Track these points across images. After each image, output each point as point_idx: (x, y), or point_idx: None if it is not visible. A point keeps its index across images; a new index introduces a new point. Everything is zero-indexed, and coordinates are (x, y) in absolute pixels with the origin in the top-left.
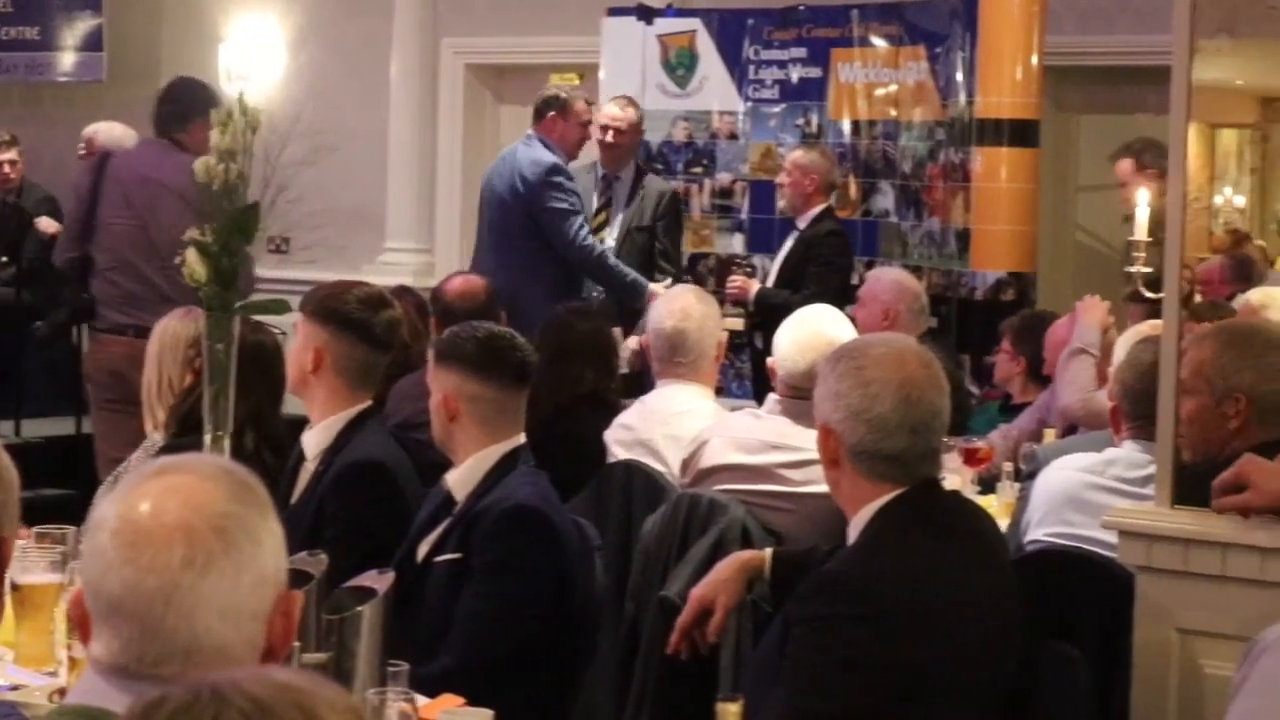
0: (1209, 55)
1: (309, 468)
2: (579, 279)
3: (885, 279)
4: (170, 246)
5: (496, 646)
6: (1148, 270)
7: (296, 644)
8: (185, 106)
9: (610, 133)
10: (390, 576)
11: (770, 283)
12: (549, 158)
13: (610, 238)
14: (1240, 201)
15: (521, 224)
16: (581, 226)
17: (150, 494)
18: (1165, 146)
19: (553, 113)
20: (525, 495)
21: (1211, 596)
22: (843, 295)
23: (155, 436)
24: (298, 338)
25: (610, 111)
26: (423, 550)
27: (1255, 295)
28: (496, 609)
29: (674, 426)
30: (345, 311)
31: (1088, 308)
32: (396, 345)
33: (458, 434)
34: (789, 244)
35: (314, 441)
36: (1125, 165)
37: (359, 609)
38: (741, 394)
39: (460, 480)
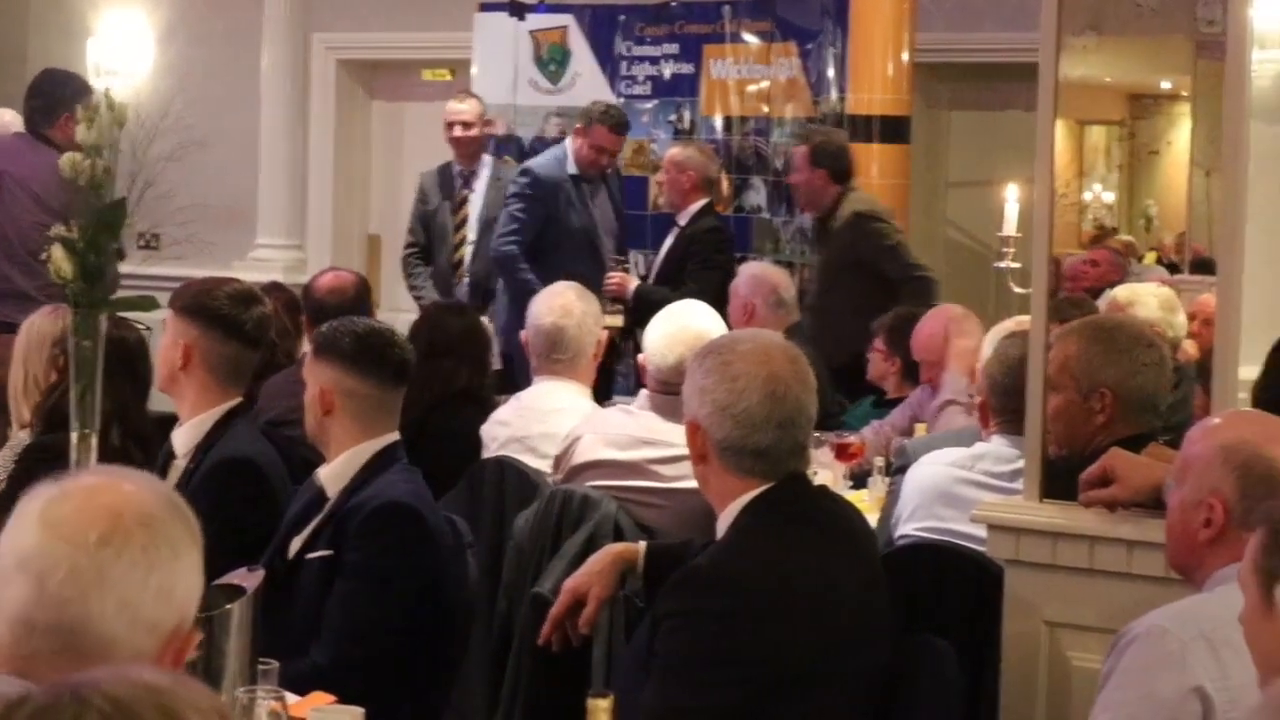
0: (1077, 52)
1: (179, 465)
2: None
3: (744, 273)
4: (26, 244)
5: (367, 644)
6: (1016, 265)
7: None
8: (52, 101)
9: (456, 127)
10: (260, 574)
11: (652, 279)
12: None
13: (471, 232)
14: (1109, 198)
15: None
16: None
17: (94, 480)
18: (839, 148)
19: None
20: (398, 492)
21: (1079, 589)
22: (724, 292)
23: (21, 435)
24: (167, 334)
25: (453, 106)
26: (294, 547)
27: (1122, 292)
28: (367, 606)
29: (550, 424)
30: (215, 308)
31: (954, 355)
32: (267, 342)
33: (332, 429)
34: (670, 240)
35: (184, 439)
36: (801, 153)
37: (228, 607)
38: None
39: (333, 476)
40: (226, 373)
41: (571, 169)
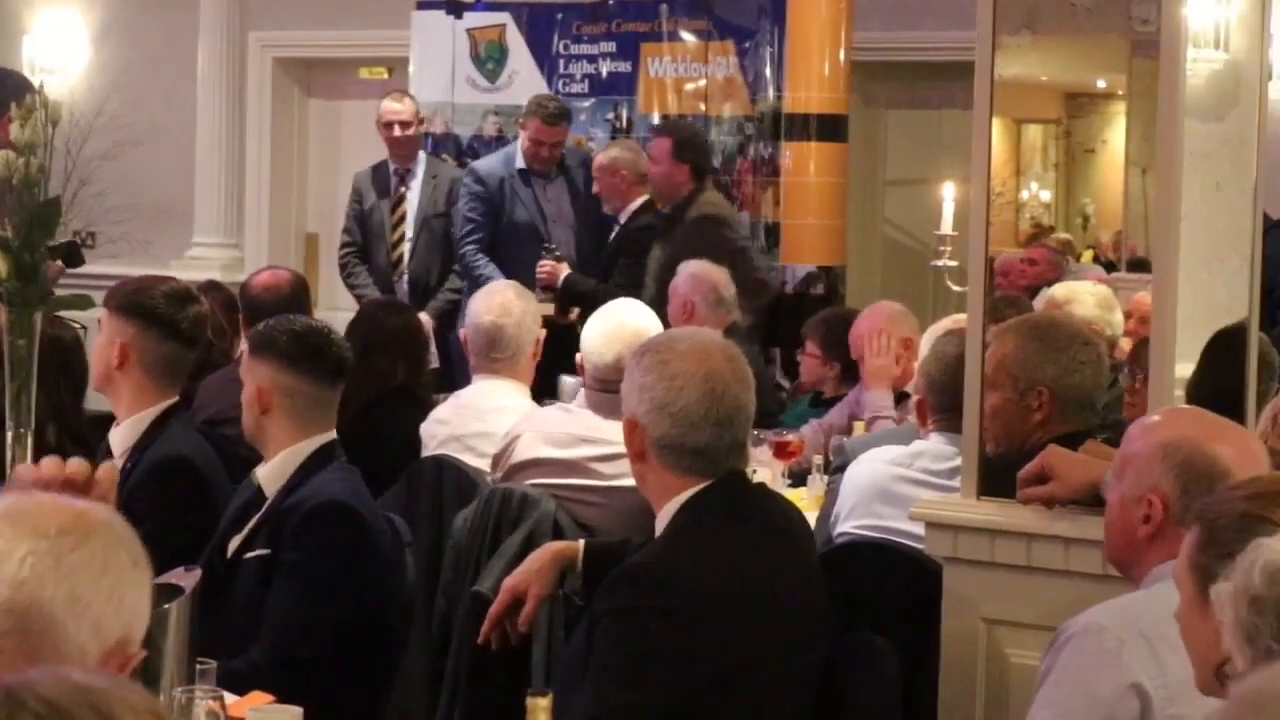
0: (1013, 51)
1: (115, 464)
2: None
3: (683, 272)
4: None
5: (305, 643)
6: (953, 264)
7: None
8: None
9: (395, 127)
10: (197, 574)
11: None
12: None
13: (409, 230)
14: (1046, 196)
15: None
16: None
17: (65, 496)
18: (703, 144)
19: None
20: (336, 491)
21: (1017, 587)
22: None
23: None
24: (102, 334)
25: (389, 107)
26: (232, 546)
27: (1059, 290)
28: (305, 605)
29: (489, 422)
30: (151, 307)
31: (873, 375)
32: (203, 341)
33: (269, 427)
34: (611, 238)
35: (120, 438)
36: (664, 145)
37: (166, 606)
38: None
39: (271, 475)
40: (163, 372)
41: (519, 164)
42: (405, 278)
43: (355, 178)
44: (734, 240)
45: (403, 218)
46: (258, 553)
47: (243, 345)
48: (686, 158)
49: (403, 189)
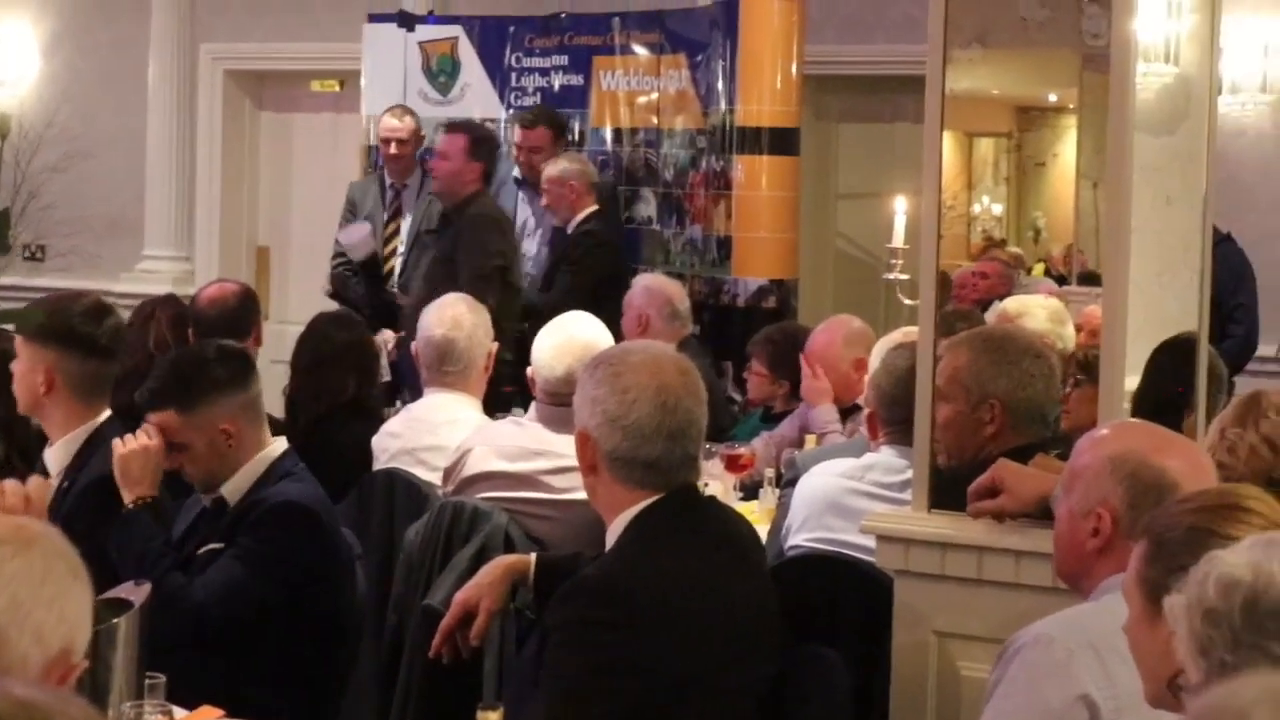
0: (963, 65)
1: (52, 484)
2: None
3: (638, 285)
4: None
5: (224, 602)
6: (905, 277)
7: None
8: None
9: (392, 144)
10: (146, 588)
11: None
12: None
13: (401, 245)
14: (997, 209)
15: None
16: None
17: (15, 517)
18: (496, 146)
19: None
20: (294, 494)
21: (968, 599)
22: (595, 296)
23: None
24: (21, 361)
25: (388, 123)
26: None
27: (1011, 304)
28: (244, 570)
29: (440, 436)
30: (69, 329)
31: (811, 394)
32: (123, 351)
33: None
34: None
35: (55, 459)
36: (460, 141)
37: (115, 621)
38: None
39: (232, 488)
40: (89, 390)
41: (515, 173)
42: (395, 289)
43: (349, 188)
44: (504, 250)
45: (397, 231)
46: (211, 547)
47: None
48: (481, 157)
49: (399, 204)
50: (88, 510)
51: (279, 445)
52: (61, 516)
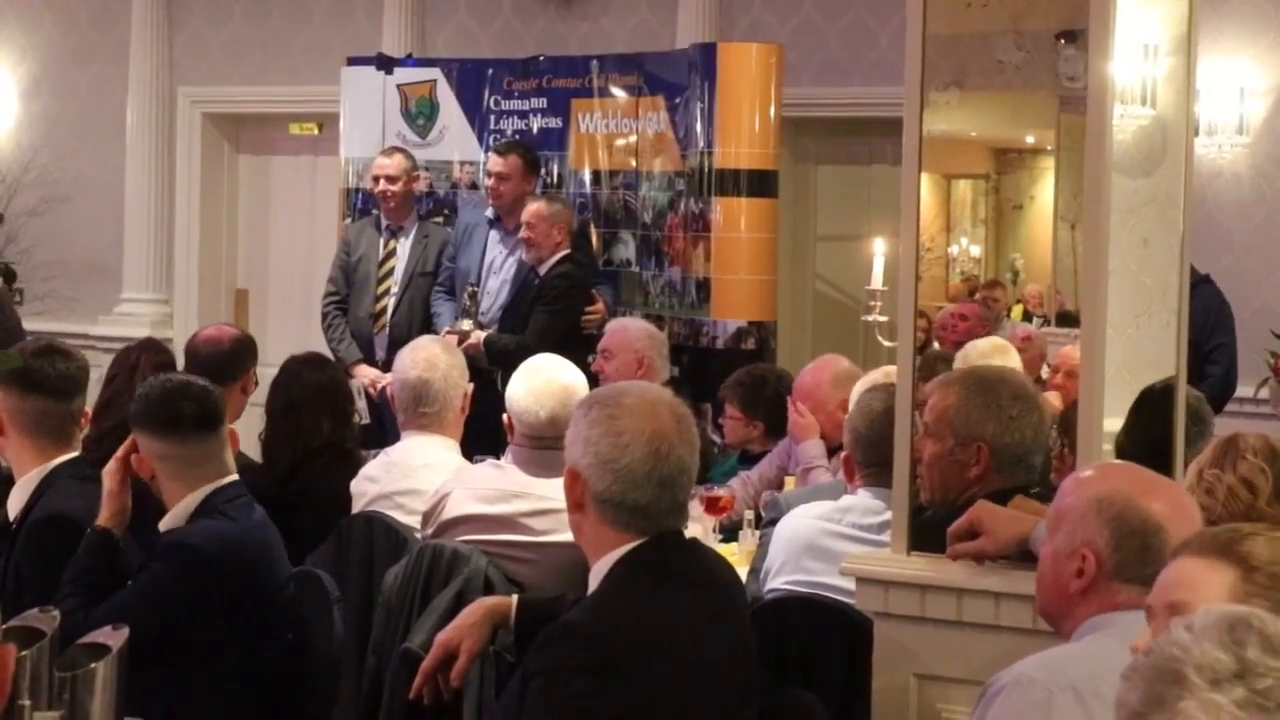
0: (941, 108)
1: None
2: None
3: (634, 329)
4: None
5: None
6: (884, 319)
7: (28, 702)
8: None
9: (381, 181)
10: (125, 632)
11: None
12: None
13: (395, 286)
14: (976, 251)
15: None
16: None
17: None
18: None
19: None
20: (198, 530)
21: (948, 641)
22: (567, 340)
23: None
24: None
25: (380, 163)
26: None
27: (984, 345)
28: (137, 595)
29: (418, 479)
30: (15, 367)
31: (798, 430)
32: (80, 390)
33: (165, 484)
34: (520, 284)
35: (14, 501)
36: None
37: (92, 665)
38: None
39: (170, 520)
40: (42, 430)
41: (489, 212)
42: (386, 331)
43: (345, 229)
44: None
45: (390, 272)
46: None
47: None
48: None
49: (393, 244)
50: (34, 552)
51: (221, 480)
52: (15, 558)
